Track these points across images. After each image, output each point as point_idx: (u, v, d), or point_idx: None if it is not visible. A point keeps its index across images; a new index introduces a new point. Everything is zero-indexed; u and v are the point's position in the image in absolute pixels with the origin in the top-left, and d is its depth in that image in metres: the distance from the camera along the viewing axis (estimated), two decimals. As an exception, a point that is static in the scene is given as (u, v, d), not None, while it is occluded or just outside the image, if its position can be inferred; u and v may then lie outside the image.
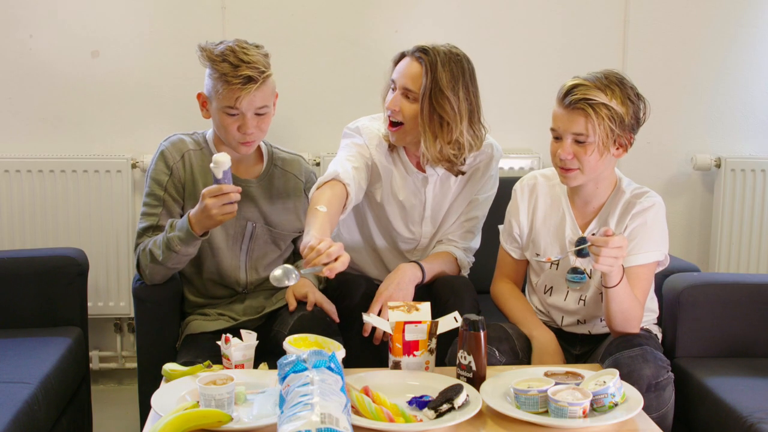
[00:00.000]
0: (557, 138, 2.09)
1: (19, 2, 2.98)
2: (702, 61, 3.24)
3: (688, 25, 3.21)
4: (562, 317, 2.24)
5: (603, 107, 2.01)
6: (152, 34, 3.02)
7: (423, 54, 2.24)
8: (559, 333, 2.23)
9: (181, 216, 2.25)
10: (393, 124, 2.29)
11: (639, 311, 2.09)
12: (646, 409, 1.85)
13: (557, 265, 2.20)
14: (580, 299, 2.20)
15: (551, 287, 2.23)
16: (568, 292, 2.21)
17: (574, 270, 2.18)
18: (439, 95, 2.22)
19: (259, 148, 2.38)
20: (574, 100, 2.02)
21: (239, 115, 2.18)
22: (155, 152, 2.32)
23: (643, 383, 1.91)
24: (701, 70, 3.24)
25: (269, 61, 2.22)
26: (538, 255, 2.22)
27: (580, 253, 2.09)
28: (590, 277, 2.16)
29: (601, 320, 2.21)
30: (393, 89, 2.29)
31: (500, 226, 2.34)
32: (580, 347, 2.24)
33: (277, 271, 1.89)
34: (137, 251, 2.27)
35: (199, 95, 2.27)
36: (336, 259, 1.86)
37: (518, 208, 2.25)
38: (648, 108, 2.11)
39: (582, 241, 2.12)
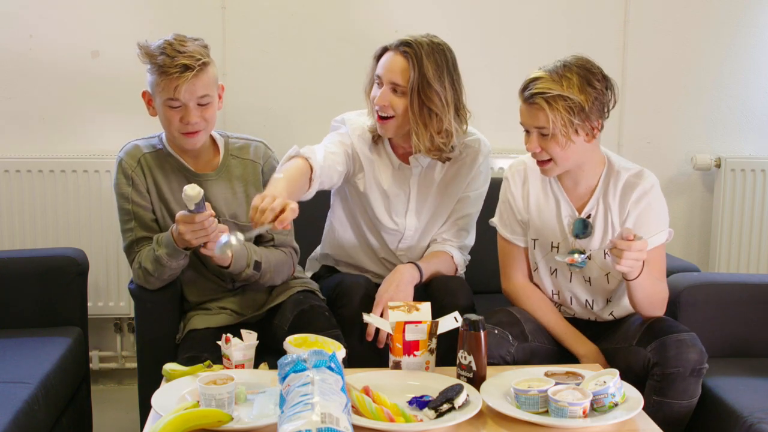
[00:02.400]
0: (527, 132, 2.10)
1: (19, 2, 2.98)
2: (702, 61, 3.23)
3: (688, 25, 3.21)
4: (571, 297, 2.23)
5: (559, 99, 2.01)
6: (152, 34, 3.00)
7: (407, 47, 2.26)
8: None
9: (155, 221, 2.28)
10: (382, 118, 2.31)
11: (663, 291, 2.12)
12: (682, 394, 1.94)
13: (557, 248, 2.20)
14: (585, 280, 2.21)
15: (555, 269, 2.24)
16: (572, 273, 2.21)
17: (574, 252, 2.17)
18: (428, 88, 2.25)
19: (215, 142, 2.36)
20: (530, 94, 2.03)
21: (181, 106, 2.17)
22: (114, 164, 2.32)
23: (688, 366, 1.97)
24: (701, 70, 3.24)
25: (208, 51, 2.21)
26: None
27: (578, 235, 2.14)
28: (590, 258, 2.15)
29: (607, 302, 2.22)
30: (379, 84, 2.31)
31: (492, 220, 2.32)
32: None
33: (223, 239, 1.94)
34: (132, 268, 2.29)
35: (144, 93, 2.26)
36: (282, 211, 1.86)
37: (514, 195, 2.24)
38: (616, 90, 2.10)
39: (579, 222, 2.14)
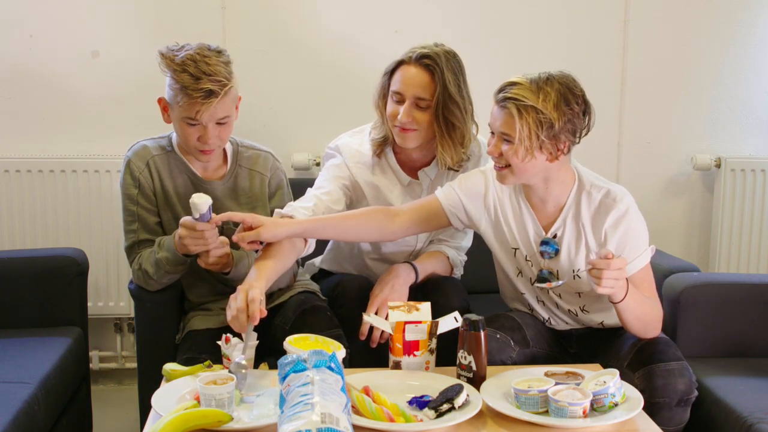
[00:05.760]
0: (492, 133, 2.03)
1: (19, 2, 2.98)
2: (702, 61, 3.23)
3: (688, 25, 3.21)
4: (556, 303, 2.20)
5: (531, 110, 1.92)
6: (152, 34, 3.02)
7: (427, 59, 2.21)
8: (555, 332, 2.23)
9: (159, 224, 2.28)
10: (404, 129, 2.25)
11: (656, 311, 2.06)
12: (668, 422, 1.88)
13: (530, 262, 2.15)
14: (557, 294, 2.17)
15: (535, 280, 2.19)
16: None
17: (541, 272, 2.14)
18: (449, 101, 2.21)
19: (224, 150, 2.34)
20: (503, 97, 1.96)
21: (199, 126, 2.15)
22: (122, 164, 2.31)
23: (675, 397, 1.92)
24: (701, 70, 3.24)
25: (231, 69, 2.16)
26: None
27: (544, 256, 2.10)
28: (558, 279, 2.11)
29: (582, 309, 2.17)
30: (398, 101, 2.25)
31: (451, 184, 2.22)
32: (576, 346, 2.23)
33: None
34: (132, 268, 2.28)
35: (160, 100, 2.22)
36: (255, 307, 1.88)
37: (479, 194, 2.15)
38: (593, 117, 2.01)
39: (545, 241, 2.11)
